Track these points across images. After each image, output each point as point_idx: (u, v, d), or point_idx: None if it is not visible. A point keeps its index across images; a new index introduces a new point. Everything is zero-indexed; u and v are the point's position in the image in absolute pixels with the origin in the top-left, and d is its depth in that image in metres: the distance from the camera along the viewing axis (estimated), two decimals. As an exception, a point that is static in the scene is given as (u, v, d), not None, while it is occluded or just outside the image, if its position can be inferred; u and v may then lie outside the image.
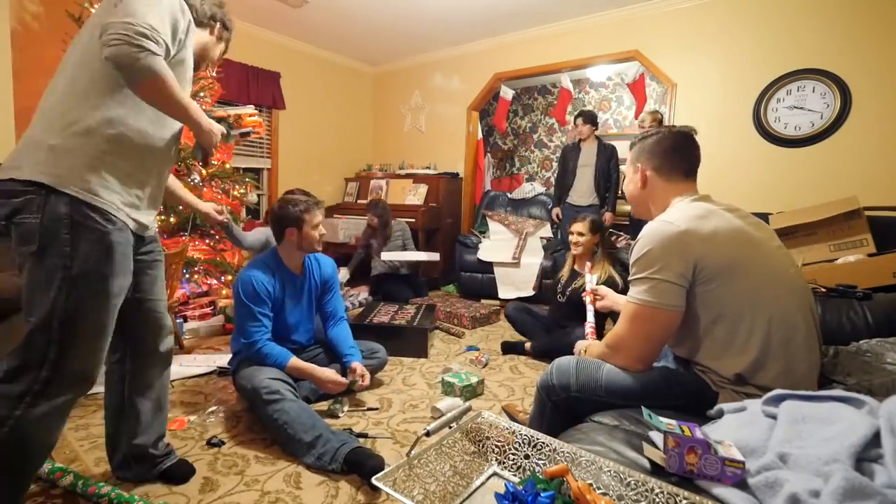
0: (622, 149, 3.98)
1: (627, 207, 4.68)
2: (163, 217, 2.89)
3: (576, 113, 4.04)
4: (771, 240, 1.18)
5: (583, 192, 3.95)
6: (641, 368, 1.19)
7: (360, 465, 1.42)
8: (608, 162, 3.86)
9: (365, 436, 1.73)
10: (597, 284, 1.82)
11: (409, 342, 2.64)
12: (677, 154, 1.25)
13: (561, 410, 1.24)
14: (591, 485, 0.77)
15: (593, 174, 3.89)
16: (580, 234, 2.63)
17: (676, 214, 1.14)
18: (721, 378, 1.13)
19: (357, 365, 1.97)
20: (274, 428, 1.61)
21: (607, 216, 3.88)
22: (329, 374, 1.87)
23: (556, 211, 4.16)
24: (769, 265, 1.12)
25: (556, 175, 4.24)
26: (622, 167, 4.58)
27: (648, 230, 1.15)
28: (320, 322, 2.16)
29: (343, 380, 1.89)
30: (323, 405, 1.95)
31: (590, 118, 3.90)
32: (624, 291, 1.36)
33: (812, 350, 1.10)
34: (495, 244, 4.18)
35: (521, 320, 2.90)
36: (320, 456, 1.48)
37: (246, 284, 1.84)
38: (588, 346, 1.45)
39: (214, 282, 3.22)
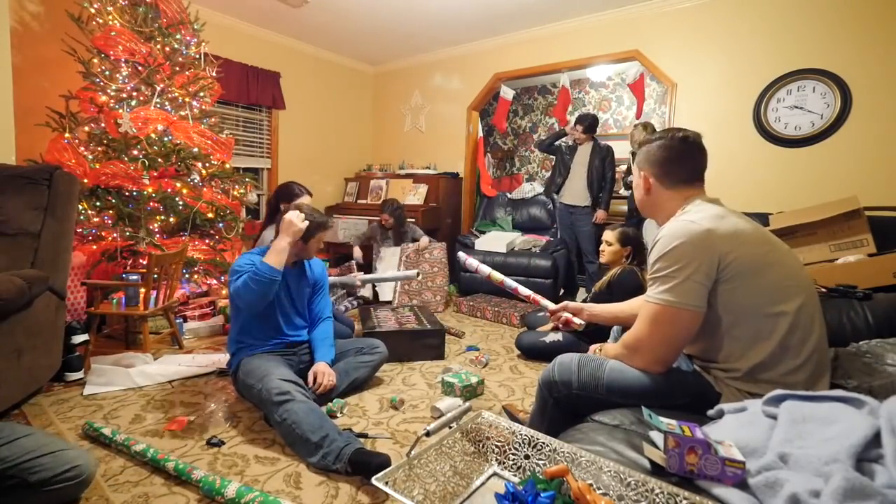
0: (620, 149, 4.01)
1: (622, 207, 4.60)
2: (162, 217, 2.89)
3: (576, 116, 3.98)
4: (781, 242, 1.18)
5: (576, 192, 3.94)
6: (661, 370, 1.17)
7: (365, 465, 1.42)
8: (602, 162, 3.84)
9: (365, 436, 1.73)
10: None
11: (427, 345, 2.62)
12: (677, 162, 1.23)
13: (562, 407, 1.23)
14: (591, 485, 0.77)
15: (587, 174, 3.87)
16: (608, 242, 2.53)
17: (697, 215, 1.13)
18: (730, 374, 1.12)
19: (319, 366, 1.93)
20: (282, 428, 1.61)
21: (599, 214, 3.88)
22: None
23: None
24: (788, 265, 1.12)
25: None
26: (622, 167, 4.58)
27: (671, 228, 1.13)
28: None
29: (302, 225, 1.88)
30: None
31: (589, 127, 3.88)
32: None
33: (825, 350, 1.11)
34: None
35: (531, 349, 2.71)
36: (325, 455, 1.49)
37: (243, 258, 1.87)
38: (603, 346, 1.43)
39: (214, 282, 3.22)
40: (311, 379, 1.89)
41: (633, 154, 3.77)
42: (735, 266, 1.07)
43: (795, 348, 1.06)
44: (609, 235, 2.54)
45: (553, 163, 4.19)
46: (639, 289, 2.31)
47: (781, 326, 1.06)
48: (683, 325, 1.10)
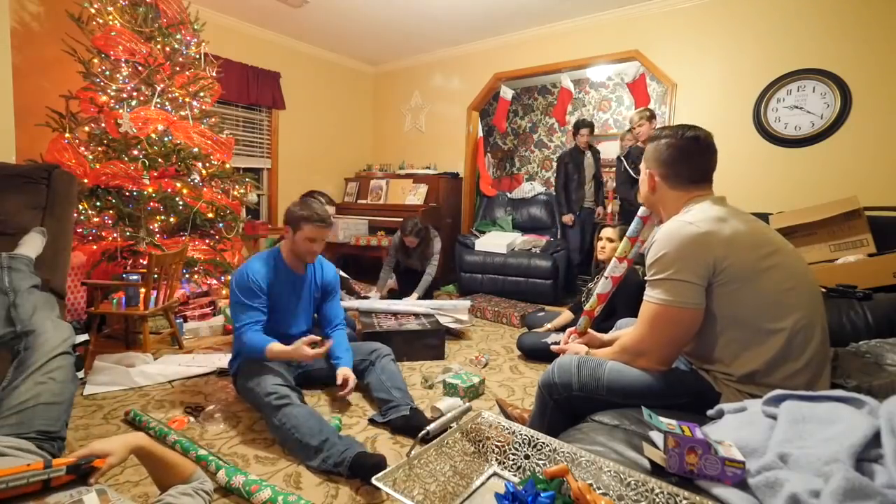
0: (616, 149, 4.14)
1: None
2: (162, 217, 2.89)
3: (575, 123, 4.19)
4: (786, 243, 1.16)
5: (589, 195, 4.36)
6: (664, 369, 1.18)
7: (363, 469, 1.42)
8: (598, 162, 4.35)
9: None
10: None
11: (427, 345, 2.62)
12: (684, 162, 1.19)
13: (562, 409, 1.23)
14: (591, 485, 0.77)
15: (594, 176, 4.35)
16: (609, 239, 2.58)
17: (698, 216, 1.12)
18: (728, 376, 1.12)
19: (343, 371, 1.92)
20: (281, 433, 1.60)
21: (599, 211, 4.42)
22: (304, 342, 1.81)
23: (570, 217, 4.25)
24: (791, 268, 1.10)
25: (561, 181, 4.27)
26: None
27: (667, 230, 1.13)
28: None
29: (319, 351, 1.84)
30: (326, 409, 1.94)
31: (592, 129, 4.27)
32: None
33: (826, 351, 1.10)
34: None
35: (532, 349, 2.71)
36: (326, 459, 1.48)
37: (240, 276, 1.90)
38: (586, 350, 1.37)
39: (214, 282, 3.22)
40: (339, 380, 1.90)
41: (625, 151, 3.85)
42: (730, 271, 1.06)
43: (795, 354, 1.06)
44: (611, 232, 2.60)
45: (563, 179, 4.26)
46: (639, 286, 2.28)
47: (777, 341, 1.06)
48: (684, 324, 1.11)
